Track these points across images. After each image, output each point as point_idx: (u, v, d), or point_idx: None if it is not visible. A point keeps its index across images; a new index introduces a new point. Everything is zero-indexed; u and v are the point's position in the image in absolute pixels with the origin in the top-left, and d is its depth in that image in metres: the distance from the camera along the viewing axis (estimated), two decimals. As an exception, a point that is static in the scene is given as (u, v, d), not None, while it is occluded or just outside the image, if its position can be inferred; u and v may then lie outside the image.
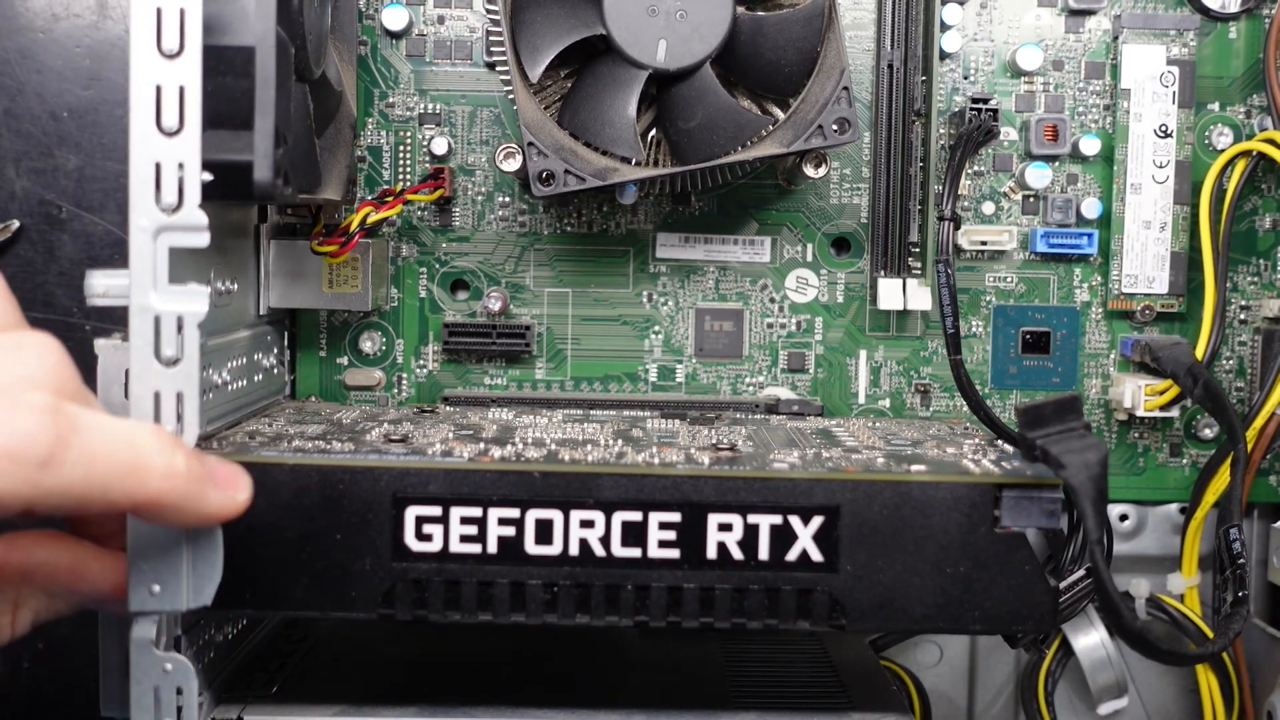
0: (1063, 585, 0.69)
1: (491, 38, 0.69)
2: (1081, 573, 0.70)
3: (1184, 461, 0.77)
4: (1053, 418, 0.52)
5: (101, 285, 0.50)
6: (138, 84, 0.48)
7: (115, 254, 0.72)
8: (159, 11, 0.48)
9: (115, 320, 0.53)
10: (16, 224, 0.72)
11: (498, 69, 0.69)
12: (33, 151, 0.72)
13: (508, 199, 0.75)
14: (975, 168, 0.76)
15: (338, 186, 0.68)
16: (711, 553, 0.52)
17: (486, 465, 0.53)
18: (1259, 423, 0.71)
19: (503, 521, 0.52)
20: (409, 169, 0.75)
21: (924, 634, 0.79)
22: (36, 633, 0.51)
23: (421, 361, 0.75)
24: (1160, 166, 0.74)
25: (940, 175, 0.72)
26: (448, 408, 0.73)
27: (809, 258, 0.76)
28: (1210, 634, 0.73)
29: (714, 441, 0.59)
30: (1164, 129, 0.74)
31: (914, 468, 0.54)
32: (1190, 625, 0.74)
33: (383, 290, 0.74)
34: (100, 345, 0.53)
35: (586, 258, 0.76)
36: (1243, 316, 0.76)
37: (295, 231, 0.72)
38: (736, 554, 0.52)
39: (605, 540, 0.52)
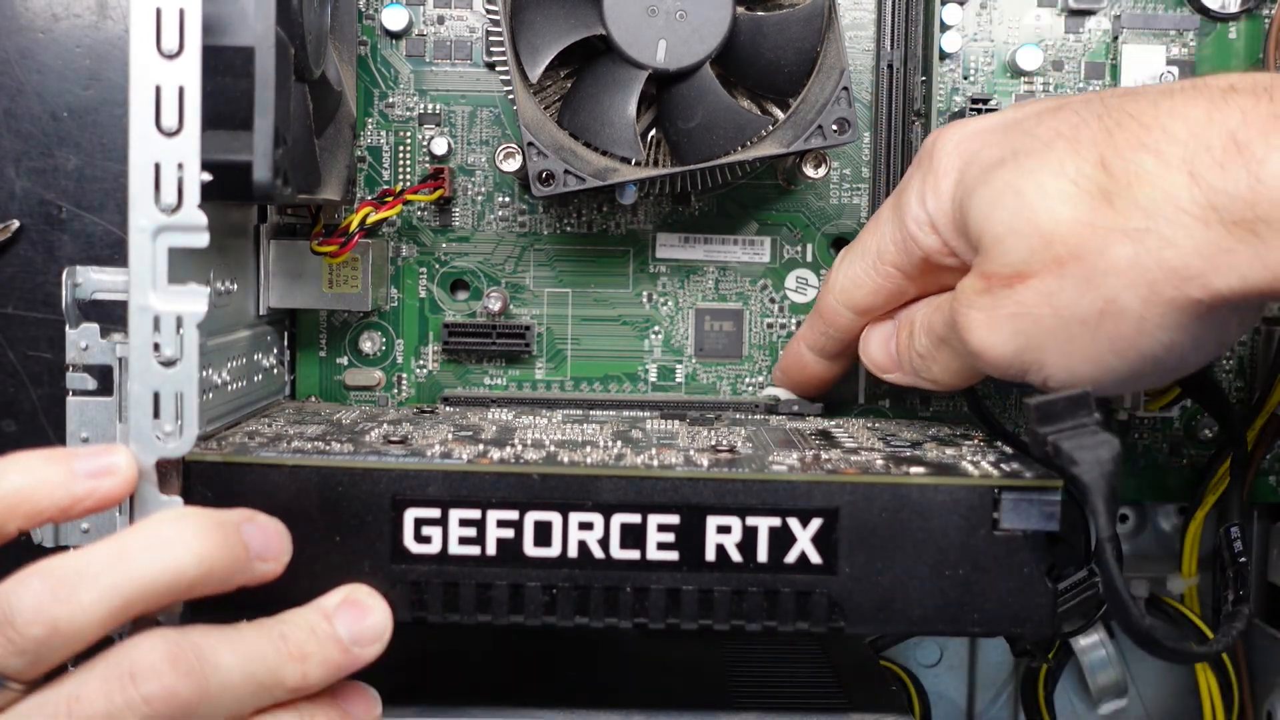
0: (1063, 586, 0.69)
1: (491, 38, 0.69)
2: (1083, 574, 0.69)
3: (1184, 462, 0.76)
4: (1064, 413, 0.51)
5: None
6: (137, 84, 0.48)
7: (115, 254, 0.72)
8: (159, 12, 0.48)
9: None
10: (16, 224, 0.72)
11: (498, 69, 0.69)
12: (33, 151, 0.72)
13: (508, 199, 0.75)
14: (975, 168, 0.75)
15: (337, 186, 0.68)
16: (710, 555, 0.52)
17: (485, 467, 0.53)
18: (1259, 423, 0.71)
19: (501, 524, 0.52)
20: (409, 169, 0.75)
21: (923, 635, 0.79)
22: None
23: (421, 362, 0.75)
24: (1161, 167, 0.74)
25: (940, 175, 0.72)
26: (447, 408, 0.73)
27: (809, 258, 0.76)
28: (1210, 634, 0.73)
29: (713, 443, 0.59)
30: (1164, 129, 0.74)
31: (913, 470, 0.54)
32: (1190, 625, 0.74)
33: (383, 290, 0.74)
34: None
35: (586, 258, 0.76)
36: (1243, 317, 0.76)
37: (295, 231, 0.72)
38: (735, 556, 0.52)
39: (604, 542, 0.52)
